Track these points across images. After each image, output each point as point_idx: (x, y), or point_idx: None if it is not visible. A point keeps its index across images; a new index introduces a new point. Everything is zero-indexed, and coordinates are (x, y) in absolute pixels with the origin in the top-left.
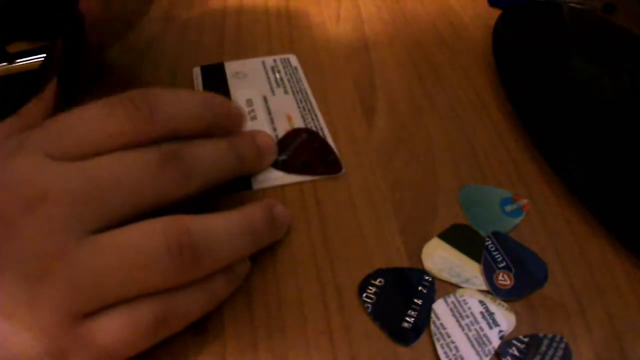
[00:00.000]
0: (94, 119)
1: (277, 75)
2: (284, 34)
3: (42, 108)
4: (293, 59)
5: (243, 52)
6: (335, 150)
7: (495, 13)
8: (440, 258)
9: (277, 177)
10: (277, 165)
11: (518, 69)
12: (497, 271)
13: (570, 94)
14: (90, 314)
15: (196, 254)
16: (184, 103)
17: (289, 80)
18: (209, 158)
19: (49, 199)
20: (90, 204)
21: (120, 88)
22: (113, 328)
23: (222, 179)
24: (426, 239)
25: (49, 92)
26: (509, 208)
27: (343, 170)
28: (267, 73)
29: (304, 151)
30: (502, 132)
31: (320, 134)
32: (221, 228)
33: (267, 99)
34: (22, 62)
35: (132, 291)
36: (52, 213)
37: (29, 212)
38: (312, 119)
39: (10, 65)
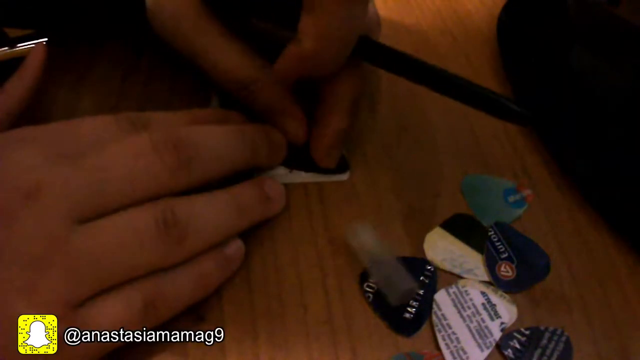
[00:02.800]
0: (101, 130)
1: None
2: None
3: (26, 80)
4: None
5: None
6: (344, 150)
7: (500, 2)
8: (442, 248)
9: (281, 175)
10: (283, 162)
11: (522, 59)
12: (500, 262)
13: (574, 85)
14: (84, 302)
15: (181, 229)
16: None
17: None
18: (215, 144)
19: (45, 190)
20: (84, 193)
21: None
22: (106, 314)
23: (230, 169)
24: (428, 228)
25: (31, 64)
26: (512, 198)
27: (348, 173)
28: None
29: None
30: (505, 121)
31: None
32: (204, 204)
33: None
34: (22, 46)
35: (124, 273)
36: (48, 203)
37: (26, 204)
38: None
39: (11, 50)
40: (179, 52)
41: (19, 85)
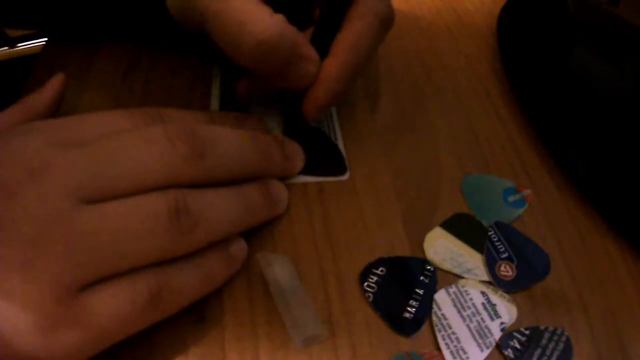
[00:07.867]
0: (114, 122)
1: None
2: None
3: (45, 98)
4: None
5: None
6: (343, 152)
7: (500, 1)
8: (442, 248)
9: None
10: None
11: (522, 59)
12: (499, 262)
13: (574, 85)
14: (85, 288)
15: (192, 218)
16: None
17: None
18: (228, 144)
19: (50, 169)
20: (92, 173)
21: None
22: (108, 303)
23: (241, 172)
24: (428, 228)
25: (53, 84)
26: (511, 198)
27: (348, 173)
28: None
29: (311, 151)
30: (505, 121)
31: (332, 134)
32: (215, 197)
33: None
34: (22, 46)
35: (129, 260)
36: (53, 181)
37: (29, 182)
38: (326, 117)
39: (11, 50)
40: (193, 24)
41: (38, 100)
